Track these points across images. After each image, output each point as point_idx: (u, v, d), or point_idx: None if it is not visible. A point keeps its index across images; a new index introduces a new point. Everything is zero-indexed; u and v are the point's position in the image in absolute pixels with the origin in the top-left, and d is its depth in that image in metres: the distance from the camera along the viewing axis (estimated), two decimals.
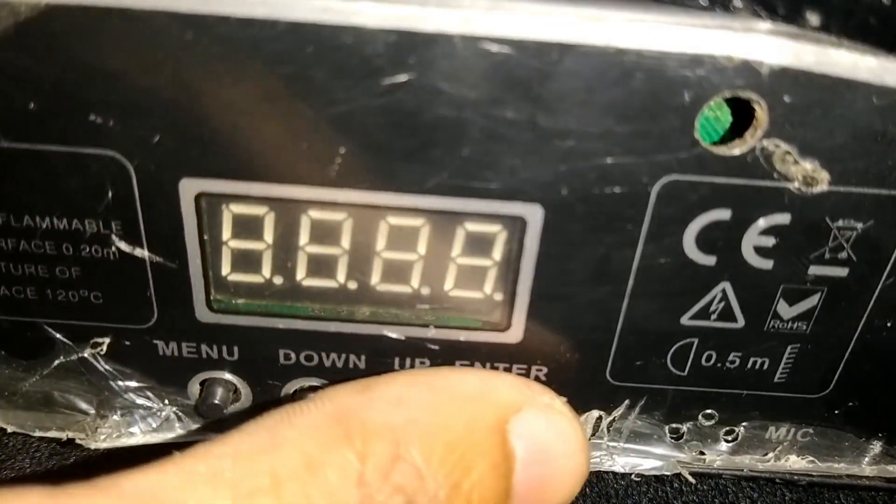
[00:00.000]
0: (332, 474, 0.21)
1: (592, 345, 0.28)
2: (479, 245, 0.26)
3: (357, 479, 0.21)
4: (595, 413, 0.30)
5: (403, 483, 0.21)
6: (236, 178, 0.24)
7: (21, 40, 0.22)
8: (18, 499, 0.19)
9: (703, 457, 0.31)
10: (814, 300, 0.27)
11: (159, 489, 0.20)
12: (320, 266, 0.27)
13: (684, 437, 0.31)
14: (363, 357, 0.29)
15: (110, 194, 0.25)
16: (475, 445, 0.23)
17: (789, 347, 0.28)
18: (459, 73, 0.22)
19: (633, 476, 0.31)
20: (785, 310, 0.27)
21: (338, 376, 0.29)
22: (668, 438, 0.31)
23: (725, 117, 0.24)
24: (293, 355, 0.29)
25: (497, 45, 0.22)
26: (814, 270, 0.26)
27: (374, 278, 0.27)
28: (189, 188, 0.25)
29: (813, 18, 0.21)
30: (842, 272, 0.26)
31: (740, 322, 0.27)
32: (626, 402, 0.30)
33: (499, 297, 0.27)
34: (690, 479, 0.31)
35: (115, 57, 0.22)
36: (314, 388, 0.29)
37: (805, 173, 0.24)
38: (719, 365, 0.28)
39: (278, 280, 0.27)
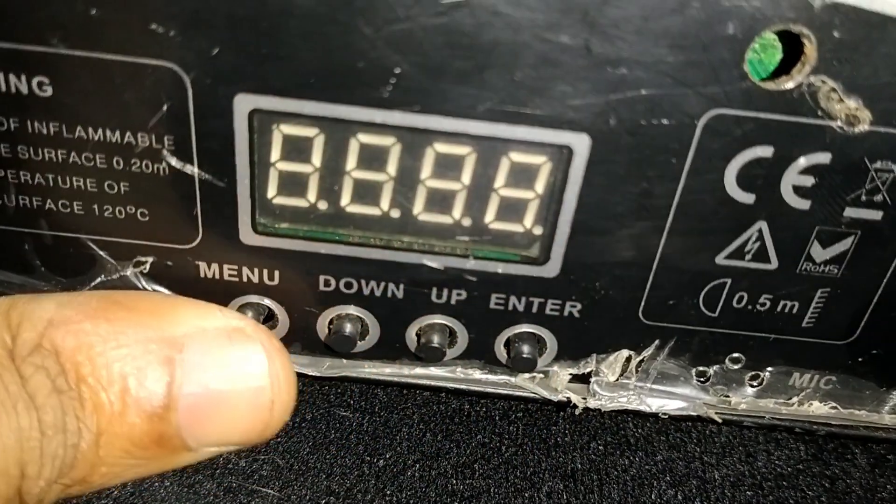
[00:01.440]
0: None
1: (628, 282, 0.29)
2: (523, 176, 0.26)
3: (7, 353, 0.23)
4: (625, 353, 0.31)
5: (45, 365, 0.23)
6: (291, 96, 0.25)
7: None
8: None
9: (727, 399, 0.32)
10: (847, 243, 0.27)
11: None
12: (365, 192, 0.27)
13: (710, 381, 0.31)
14: (401, 286, 0.29)
15: (165, 107, 0.25)
16: (137, 346, 0.23)
17: (819, 291, 0.28)
18: None
19: (659, 415, 0.31)
20: (818, 252, 0.27)
21: (376, 304, 0.30)
22: (695, 381, 0.31)
23: (769, 59, 0.24)
24: (333, 282, 0.29)
25: None
26: (849, 213, 0.26)
27: (417, 207, 0.27)
28: (244, 104, 0.25)
29: None
30: (876, 215, 0.26)
31: (773, 263, 0.28)
32: (657, 342, 0.30)
33: (538, 230, 0.28)
34: (717, 419, 0.31)
35: None
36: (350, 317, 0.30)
37: (848, 112, 0.24)
38: (750, 307, 0.29)
39: (323, 205, 0.27)
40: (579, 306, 0.29)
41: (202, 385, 0.24)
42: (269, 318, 0.30)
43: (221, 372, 0.24)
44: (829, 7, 0.22)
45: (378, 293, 0.29)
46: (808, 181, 0.26)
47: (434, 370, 0.32)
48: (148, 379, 0.23)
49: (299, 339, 0.31)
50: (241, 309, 0.30)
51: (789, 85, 0.24)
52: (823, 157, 0.25)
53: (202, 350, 0.24)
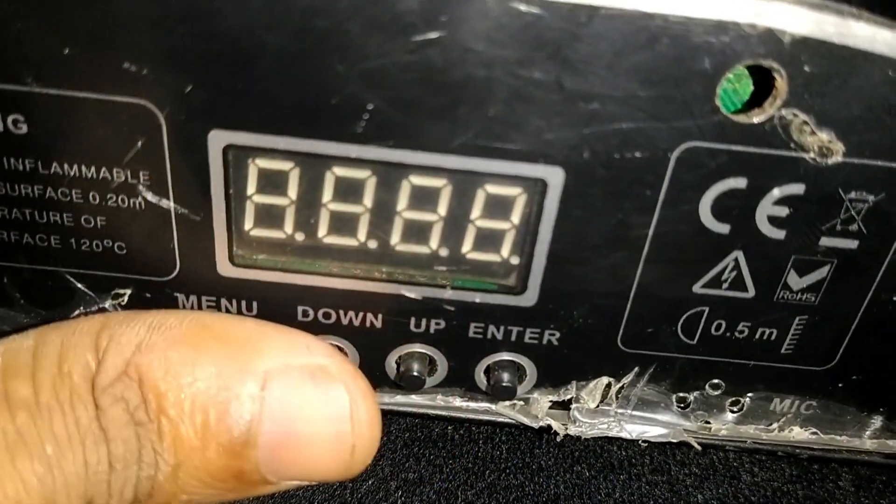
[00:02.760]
0: (75, 372, 0.23)
1: (605, 311, 0.29)
2: (498, 208, 0.26)
3: (90, 384, 0.23)
4: (604, 380, 0.31)
5: (125, 396, 0.23)
6: (264, 131, 0.25)
7: None
8: None
9: (708, 426, 0.32)
10: (823, 272, 0.27)
11: None
12: (342, 224, 0.27)
13: (691, 406, 0.31)
14: (380, 316, 0.29)
15: (140, 143, 0.25)
16: (219, 380, 0.23)
17: (797, 319, 0.28)
18: (489, 32, 0.23)
19: (640, 442, 0.31)
20: (795, 281, 0.27)
21: (355, 334, 0.30)
22: (675, 407, 0.31)
23: (744, 89, 0.24)
24: (311, 312, 0.29)
25: (527, 5, 0.22)
26: (825, 242, 0.26)
27: (394, 238, 0.27)
28: (218, 140, 0.25)
29: None
30: (852, 244, 0.26)
31: (751, 292, 0.28)
32: (636, 369, 0.30)
33: (515, 260, 0.28)
34: (697, 446, 0.31)
35: (151, 6, 0.23)
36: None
37: (821, 144, 0.24)
38: (728, 334, 0.29)
39: (300, 236, 0.27)
40: (558, 334, 0.29)
41: (283, 424, 0.24)
42: None
43: (303, 412, 0.24)
44: (798, 42, 0.22)
45: (357, 323, 0.29)
46: (783, 212, 0.26)
47: (415, 398, 0.32)
48: (230, 415, 0.23)
49: None
50: None
51: (761, 118, 0.24)
52: (797, 188, 0.25)
53: (285, 388, 0.24)
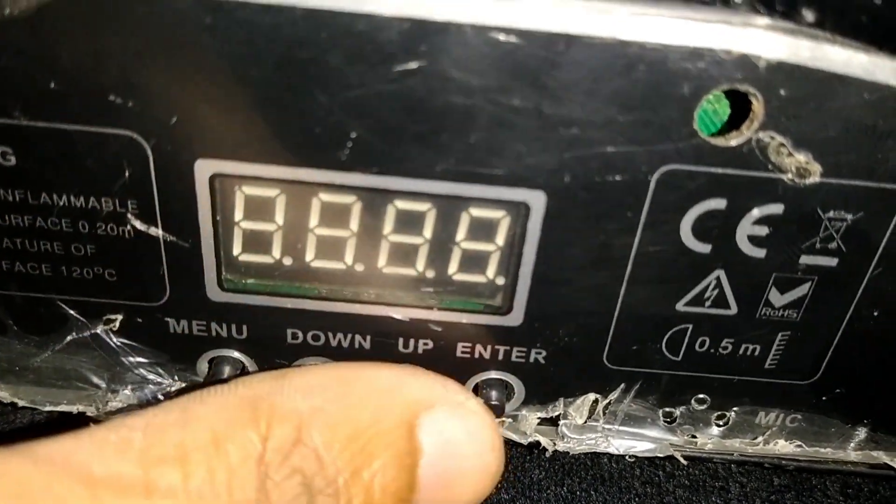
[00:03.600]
0: (234, 451, 0.22)
1: (590, 329, 0.29)
2: (483, 230, 0.27)
3: (257, 458, 0.22)
4: (591, 396, 0.31)
5: (302, 466, 0.22)
6: (250, 160, 0.25)
7: (42, 21, 0.23)
8: None
9: (694, 440, 0.32)
10: (804, 289, 0.28)
11: (70, 454, 0.21)
12: (329, 248, 0.28)
13: (677, 421, 0.32)
14: (368, 337, 0.29)
15: (127, 174, 0.26)
16: (380, 436, 0.24)
17: (780, 335, 0.29)
18: (469, 62, 0.23)
19: (627, 457, 0.32)
20: (776, 298, 0.28)
21: (343, 356, 0.30)
22: (662, 422, 0.32)
23: (723, 110, 0.25)
24: (300, 335, 0.29)
25: (505, 35, 0.23)
26: (805, 260, 0.27)
27: (381, 261, 0.28)
28: (204, 169, 0.25)
29: (808, 15, 0.22)
30: (831, 262, 0.27)
31: (733, 309, 0.28)
32: (622, 385, 0.31)
33: (501, 281, 0.28)
34: (682, 461, 0.31)
35: (136, 39, 0.23)
36: None
37: (798, 165, 0.25)
38: (712, 351, 0.29)
39: (288, 261, 0.28)
40: (544, 353, 0.30)
41: (438, 465, 0.24)
42: (243, 372, 0.31)
43: (455, 450, 0.25)
44: (773, 66, 0.23)
45: (346, 345, 0.30)
46: (763, 231, 0.26)
47: None
48: (396, 466, 0.24)
49: None
50: (217, 364, 0.30)
51: (739, 141, 0.24)
52: (776, 208, 0.26)
53: (435, 430, 0.24)
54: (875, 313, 0.28)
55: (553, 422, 0.32)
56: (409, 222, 0.27)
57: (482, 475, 0.25)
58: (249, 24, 0.23)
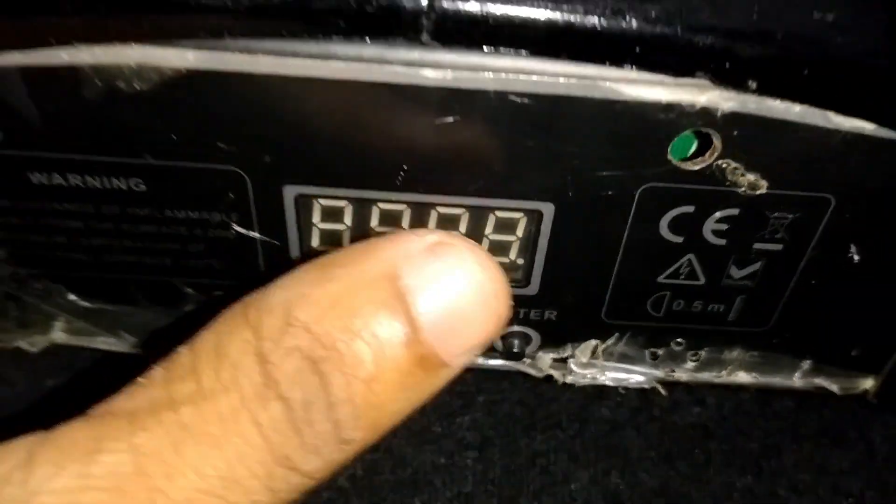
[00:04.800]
0: (233, 351, 0.24)
1: (591, 296, 0.37)
2: (506, 227, 0.34)
3: (254, 352, 0.24)
4: (593, 342, 0.40)
5: (297, 343, 0.24)
6: (325, 185, 0.33)
7: (164, 95, 0.29)
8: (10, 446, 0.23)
9: (673, 373, 0.41)
10: (757, 266, 0.35)
11: (111, 403, 0.25)
12: None
13: (660, 359, 0.40)
14: None
15: (231, 195, 0.33)
16: (364, 293, 0.24)
17: (739, 298, 0.37)
18: (493, 117, 0.30)
19: (619, 389, 0.41)
20: (735, 272, 0.36)
21: None
22: (648, 360, 0.40)
23: (691, 143, 0.31)
24: None
25: (520, 98, 0.29)
26: (756, 246, 0.34)
27: None
28: (290, 192, 0.33)
29: (752, 85, 0.29)
30: (777, 247, 0.34)
31: (702, 280, 0.36)
32: (617, 334, 0.39)
33: (521, 261, 0.36)
34: (663, 391, 0.41)
35: (238, 106, 0.30)
36: None
37: (750, 182, 0.32)
38: (686, 309, 0.37)
39: None
40: (556, 313, 0.38)
41: (431, 302, 0.25)
42: None
43: (441, 284, 0.25)
44: (727, 115, 0.29)
45: None
46: (724, 227, 0.34)
47: None
48: (389, 315, 0.24)
49: None
50: None
51: (702, 165, 0.31)
52: (734, 211, 0.33)
53: (416, 273, 0.25)
54: (812, 281, 0.36)
55: (563, 361, 0.41)
56: (448, 223, 0.34)
57: (481, 301, 0.25)
58: (323, 93, 0.29)
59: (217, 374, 0.24)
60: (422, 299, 0.25)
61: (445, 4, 0.28)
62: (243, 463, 0.23)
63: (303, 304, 0.24)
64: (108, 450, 0.23)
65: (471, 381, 0.47)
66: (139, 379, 0.25)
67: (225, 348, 0.24)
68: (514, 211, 0.34)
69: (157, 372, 0.25)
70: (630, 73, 0.29)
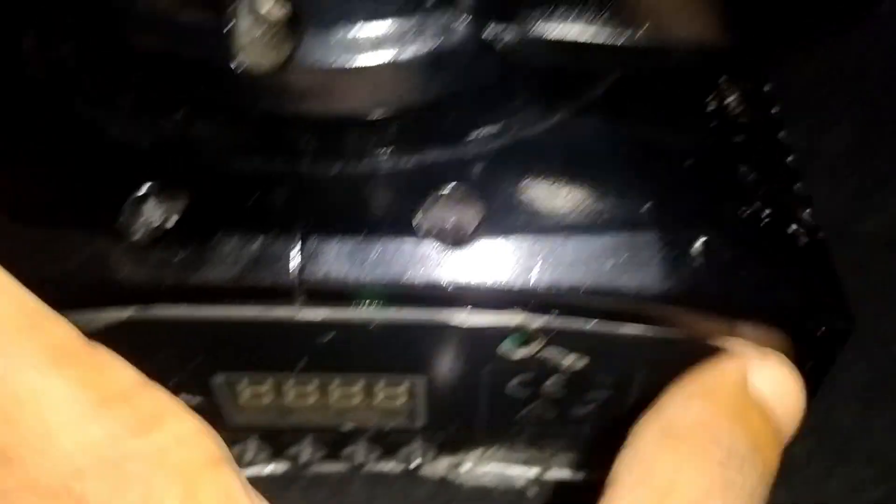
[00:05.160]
0: None
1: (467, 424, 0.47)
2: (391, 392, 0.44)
3: None
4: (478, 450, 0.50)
5: None
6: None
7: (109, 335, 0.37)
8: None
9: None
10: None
11: None
12: None
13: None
14: None
15: None
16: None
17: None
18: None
19: None
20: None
21: None
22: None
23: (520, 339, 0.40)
24: None
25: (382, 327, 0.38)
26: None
27: None
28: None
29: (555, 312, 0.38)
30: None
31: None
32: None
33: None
34: None
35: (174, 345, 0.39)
36: None
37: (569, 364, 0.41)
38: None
39: None
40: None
41: (771, 405, 0.29)
42: None
43: (780, 389, 0.30)
44: (539, 328, 0.39)
45: None
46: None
47: None
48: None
49: None
50: None
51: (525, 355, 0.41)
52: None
53: (762, 378, 0.29)
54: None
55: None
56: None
57: (798, 412, 0.29)
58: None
59: None
60: (768, 404, 0.29)
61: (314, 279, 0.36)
62: None
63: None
64: None
65: None
66: None
67: None
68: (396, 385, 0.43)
69: None
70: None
